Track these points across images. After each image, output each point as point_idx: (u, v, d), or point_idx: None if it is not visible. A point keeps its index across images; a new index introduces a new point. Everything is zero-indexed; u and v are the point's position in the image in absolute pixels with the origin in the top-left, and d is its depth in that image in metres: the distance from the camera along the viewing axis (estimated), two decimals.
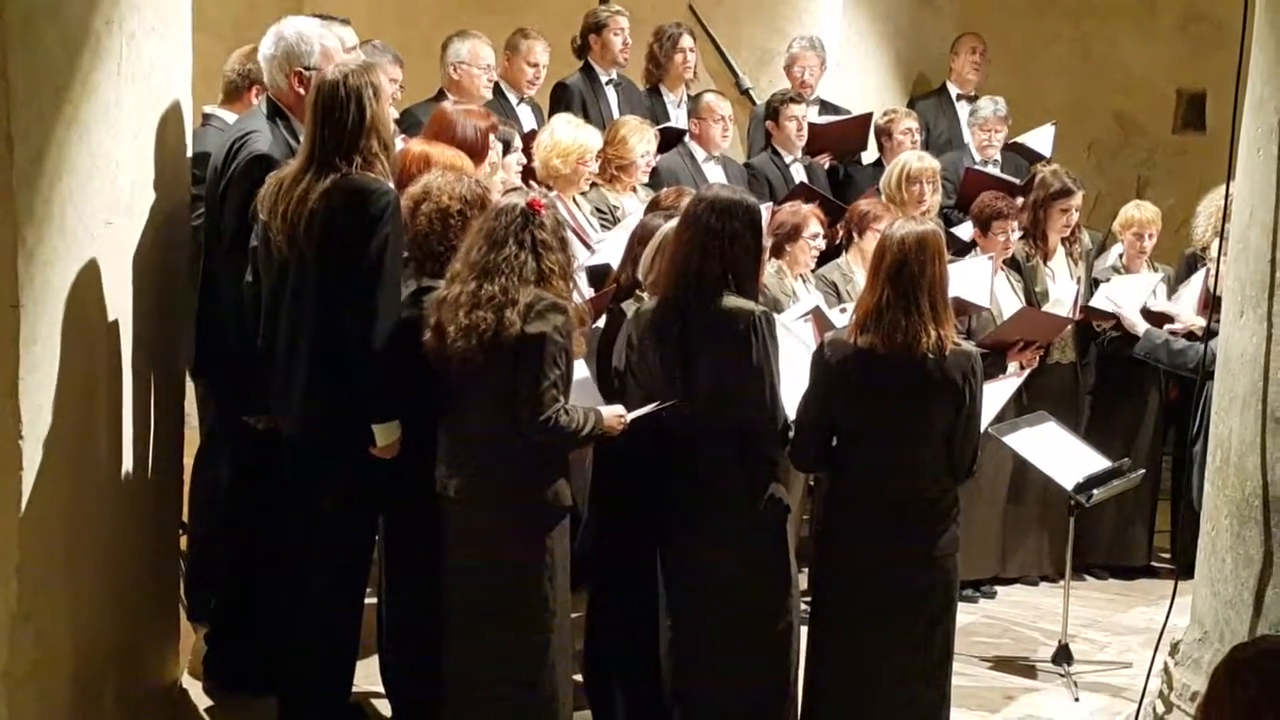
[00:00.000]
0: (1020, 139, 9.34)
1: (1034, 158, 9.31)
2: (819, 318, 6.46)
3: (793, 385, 5.25)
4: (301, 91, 5.60)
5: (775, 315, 5.36)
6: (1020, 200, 8.08)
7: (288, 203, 5.14)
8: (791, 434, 5.23)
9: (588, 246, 6.67)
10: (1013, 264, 7.90)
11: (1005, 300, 7.63)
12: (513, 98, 8.18)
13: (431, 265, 5.24)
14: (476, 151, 6.00)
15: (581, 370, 5.42)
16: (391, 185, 5.29)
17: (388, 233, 5.12)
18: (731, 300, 5.08)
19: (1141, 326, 7.71)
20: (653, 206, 6.38)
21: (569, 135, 7.05)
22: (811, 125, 8.67)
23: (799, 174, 8.52)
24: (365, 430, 5.19)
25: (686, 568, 5.23)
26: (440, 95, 7.61)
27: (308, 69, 5.60)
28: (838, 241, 7.63)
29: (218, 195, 5.68)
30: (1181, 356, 7.61)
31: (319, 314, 5.17)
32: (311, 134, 5.21)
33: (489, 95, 7.79)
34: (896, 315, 4.98)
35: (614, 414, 5.15)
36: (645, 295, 5.59)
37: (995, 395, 6.30)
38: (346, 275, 5.11)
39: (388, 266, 5.13)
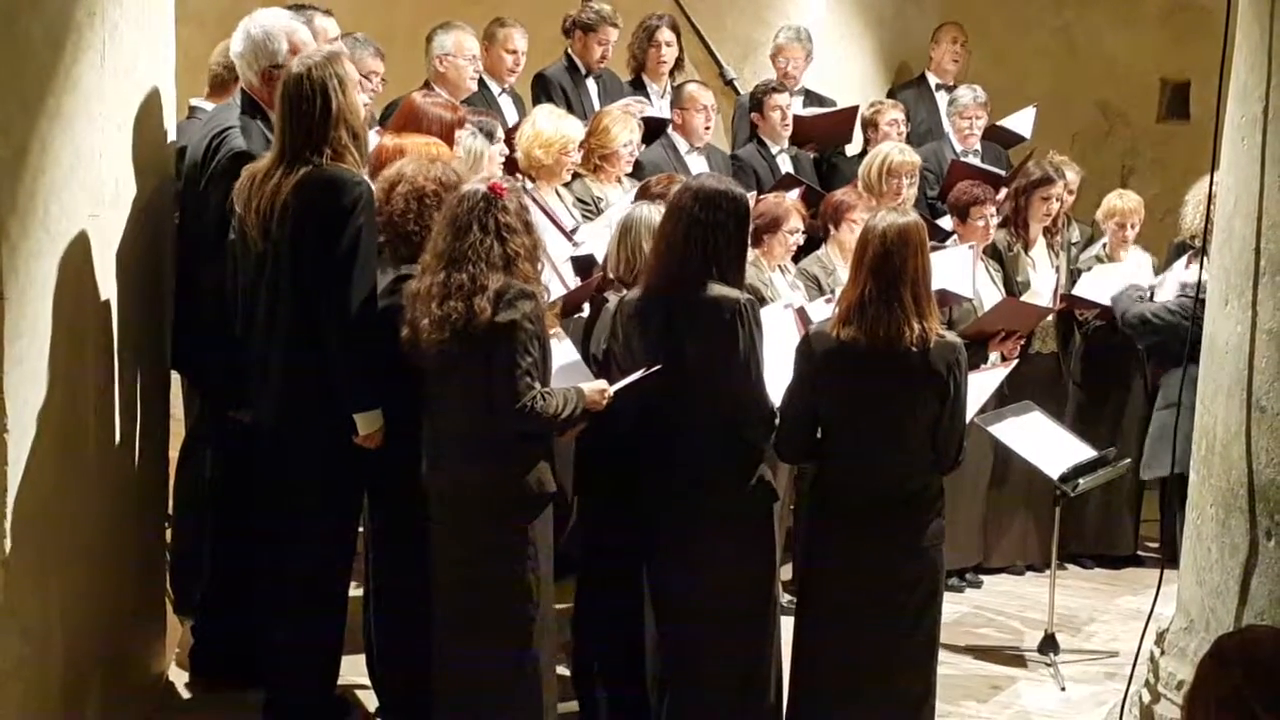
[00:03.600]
0: (1001, 122, 9.36)
1: (1014, 140, 9.33)
2: (801, 314, 6.45)
3: (776, 374, 5.25)
4: (272, 89, 5.59)
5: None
6: (1003, 191, 8.09)
7: (260, 196, 5.19)
8: (776, 424, 5.24)
9: (568, 237, 6.66)
10: (993, 254, 7.91)
11: (985, 290, 7.62)
12: (495, 88, 8.16)
13: (406, 249, 5.24)
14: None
15: (572, 354, 5.41)
16: (364, 176, 5.30)
17: (361, 223, 5.16)
18: (717, 289, 5.08)
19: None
20: (642, 193, 6.37)
21: (551, 126, 7.03)
22: (798, 117, 8.67)
23: (785, 164, 8.51)
24: (345, 421, 5.20)
25: (673, 556, 5.23)
26: (426, 88, 7.59)
27: (276, 66, 5.59)
28: (821, 233, 7.63)
29: (198, 192, 5.67)
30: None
31: (294, 305, 5.21)
32: (281, 127, 5.24)
33: (474, 87, 7.79)
34: (879, 309, 4.98)
35: (596, 389, 5.16)
36: (620, 284, 5.59)
37: (981, 386, 6.30)
38: (320, 266, 5.14)
39: (361, 257, 5.17)
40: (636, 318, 5.23)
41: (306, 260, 5.17)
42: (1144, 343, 7.83)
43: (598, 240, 6.44)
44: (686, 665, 5.25)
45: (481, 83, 8.02)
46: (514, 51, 8.21)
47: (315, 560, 5.37)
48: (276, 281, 5.24)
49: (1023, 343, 7.53)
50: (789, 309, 6.38)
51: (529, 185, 6.77)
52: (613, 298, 5.60)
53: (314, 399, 5.23)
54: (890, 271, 5.00)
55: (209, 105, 6.43)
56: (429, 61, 7.76)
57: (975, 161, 8.84)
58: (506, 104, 8.17)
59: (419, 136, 5.86)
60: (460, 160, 5.90)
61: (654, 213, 5.49)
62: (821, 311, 6.33)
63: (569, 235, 6.63)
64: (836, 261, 7.29)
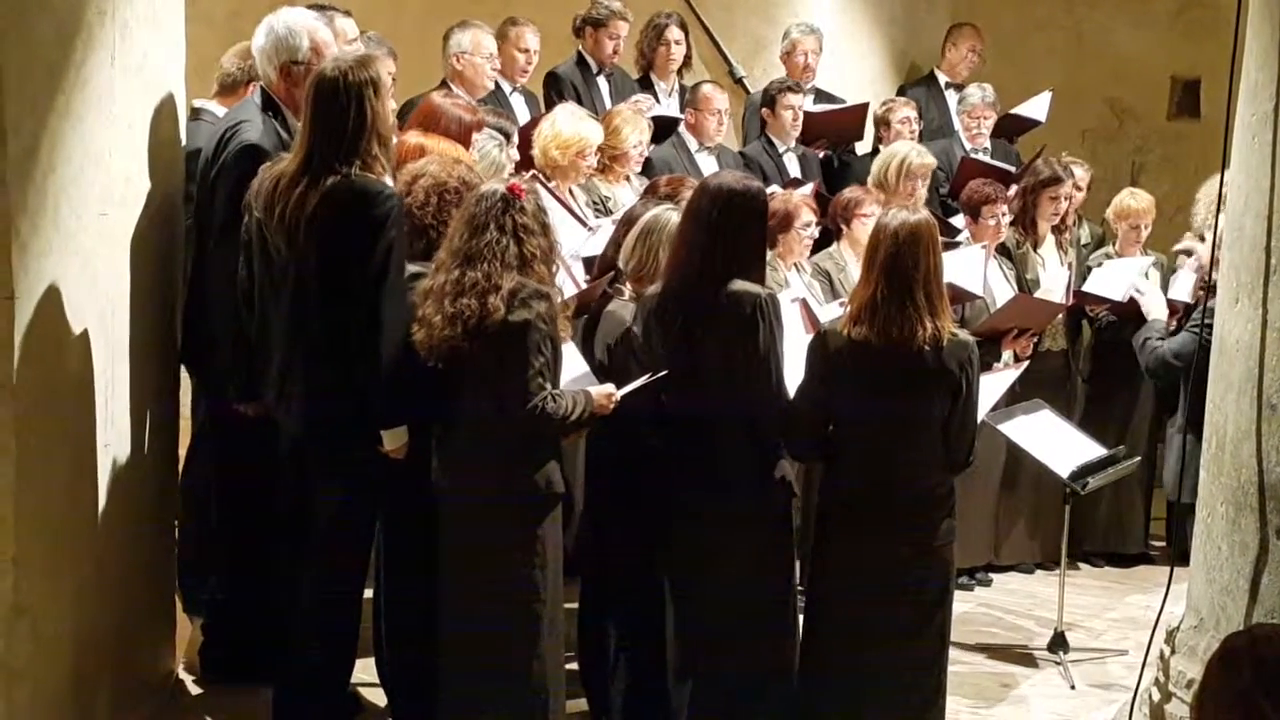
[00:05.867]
0: (1015, 110, 9.35)
1: (1029, 125, 9.31)
2: (806, 309, 6.45)
3: (790, 369, 5.25)
4: (290, 85, 5.59)
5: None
6: (1014, 188, 8.09)
7: (285, 203, 5.07)
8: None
9: (583, 224, 6.67)
10: (1004, 251, 7.91)
11: (998, 288, 7.62)
12: (506, 87, 8.16)
13: (419, 243, 5.22)
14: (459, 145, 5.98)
15: (579, 363, 5.41)
16: (394, 187, 5.24)
17: (393, 237, 5.06)
18: (738, 284, 5.08)
19: (1156, 313, 7.53)
20: (650, 192, 6.37)
21: (570, 127, 7.03)
22: (807, 114, 8.65)
23: (792, 163, 8.51)
24: (370, 433, 5.17)
25: (694, 552, 5.22)
26: (443, 87, 7.59)
27: (296, 63, 5.57)
28: (833, 231, 7.62)
29: (208, 184, 5.67)
30: (1141, 354, 7.45)
31: (322, 317, 5.12)
32: (309, 132, 5.12)
33: (492, 85, 7.79)
34: (891, 310, 4.97)
35: (604, 393, 5.15)
36: (625, 284, 5.59)
37: (993, 386, 6.30)
38: (351, 280, 5.05)
39: (393, 271, 5.07)
40: (657, 314, 5.22)
41: (336, 274, 5.07)
42: (1170, 380, 7.63)
43: (605, 236, 6.45)
44: (708, 661, 5.23)
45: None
46: (526, 50, 8.21)
47: (330, 560, 5.36)
48: (302, 292, 5.13)
49: (1035, 339, 7.52)
50: (795, 302, 6.39)
51: (545, 179, 6.78)
52: (616, 303, 5.60)
53: (340, 411, 5.16)
54: (903, 271, 4.99)
55: (214, 106, 6.41)
56: (446, 60, 7.76)
57: (985, 158, 8.83)
58: (519, 103, 8.17)
59: (442, 140, 5.85)
60: (479, 165, 5.91)
61: (677, 218, 5.47)
62: (833, 313, 6.32)
63: (585, 223, 6.65)
64: (849, 258, 7.29)
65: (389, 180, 5.28)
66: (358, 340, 5.07)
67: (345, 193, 5.04)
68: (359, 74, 5.11)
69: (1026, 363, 7.13)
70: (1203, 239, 7.54)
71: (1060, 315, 7.89)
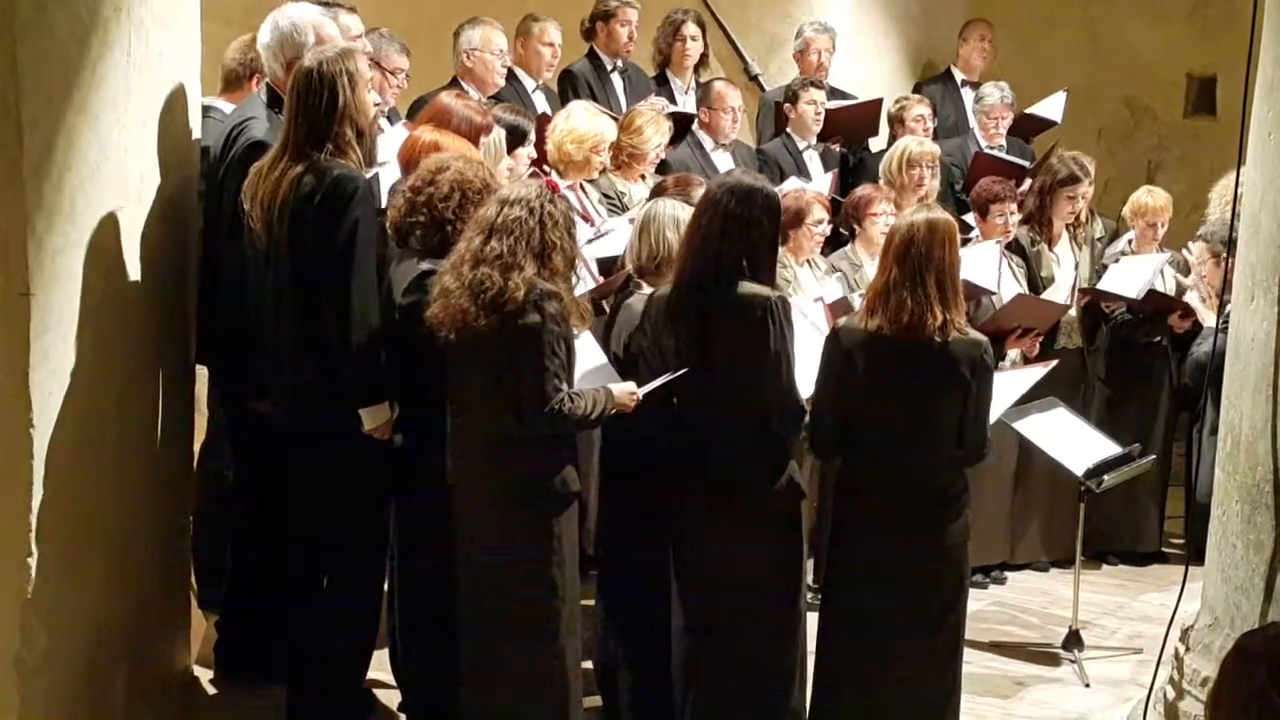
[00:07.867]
0: (1031, 109, 9.33)
1: (1045, 125, 9.29)
2: (835, 306, 6.44)
3: (807, 370, 5.25)
4: None
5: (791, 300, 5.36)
6: (1027, 183, 8.07)
7: (264, 190, 5.21)
8: (807, 420, 5.24)
9: (588, 222, 6.67)
10: (1016, 248, 7.88)
11: (1007, 285, 7.60)
12: (529, 84, 8.14)
13: (437, 238, 5.23)
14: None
15: (596, 354, 5.41)
16: (363, 173, 5.30)
17: (356, 218, 5.16)
18: (748, 286, 5.08)
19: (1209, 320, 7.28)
20: (658, 192, 6.37)
21: (586, 123, 7.04)
22: (825, 110, 8.64)
23: (812, 160, 8.49)
24: (354, 414, 5.22)
25: (702, 553, 5.22)
26: (454, 83, 7.58)
27: (301, 59, 5.60)
28: (847, 231, 7.61)
29: (217, 182, 5.70)
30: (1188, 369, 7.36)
31: (297, 300, 5.23)
32: (288, 121, 5.26)
33: (502, 82, 7.78)
34: (902, 295, 4.99)
35: (626, 391, 5.16)
36: (640, 282, 5.59)
37: (1017, 384, 6.26)
38: (319, 261, 5.15)
39: (359, 252, 5.17)
40: (667, 314, 5.22)
41: (305, 255, 5.19)
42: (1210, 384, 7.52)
43: (620, 235, 6.45)
44: (712, 661, 5.24)
45: (515, 77, 8.01)
46: (551, 45, 8.20)
47: (340, 556, 5.38)
48: (280, 276, 5.26)
49: (1041, 340, 7.49)
50: (819, 302, 6.38)
51: (558, 174, 6.79)
52: (636, 296, 5.60)
53: (322, 394, 5.24)
54: (915, 259, 5.01)
55: (221, 103, 6.41)
56: (456, 56, 7.75)
57: (999, 154, 8.81)
58: (540, 100, 8.15)
59: (456, 138, 5.85)
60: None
61: (675, 207, 5.50)
62: (855, 304, 6.32)
63: (591, 221, 6.65)
64: (863, 258, 7.29)
65: (366, 171, 5.35)
66: (327, 321, 5.16)
67: (310, 175, 5.16)
68: (334, 64, 5.22)
69: (1055, 362, 7.04)
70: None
71: (1074, 312, 7.87)
